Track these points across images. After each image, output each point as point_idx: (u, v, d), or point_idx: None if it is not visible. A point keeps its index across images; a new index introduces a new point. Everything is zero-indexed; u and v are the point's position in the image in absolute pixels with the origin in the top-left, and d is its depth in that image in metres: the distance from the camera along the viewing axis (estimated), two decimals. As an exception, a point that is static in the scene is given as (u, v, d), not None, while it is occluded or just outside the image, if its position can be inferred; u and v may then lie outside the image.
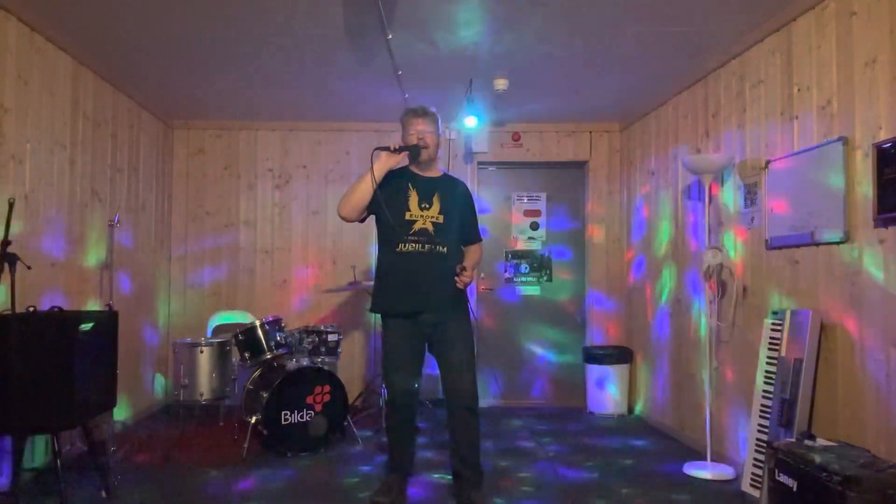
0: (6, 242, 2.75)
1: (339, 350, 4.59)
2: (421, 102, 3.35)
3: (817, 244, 3.07)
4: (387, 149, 3.10)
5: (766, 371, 3.27)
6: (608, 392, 5.34)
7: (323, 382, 4.16)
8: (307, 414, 4.09)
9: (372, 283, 3.41)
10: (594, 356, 5.41)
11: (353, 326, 5.64)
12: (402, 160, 3.20)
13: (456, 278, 3.11)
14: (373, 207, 3.16)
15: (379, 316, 3.31)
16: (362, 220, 3.26)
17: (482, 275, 5.76)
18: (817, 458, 2.46)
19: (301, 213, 5.72)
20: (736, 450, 3.70)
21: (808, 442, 2.67)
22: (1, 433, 2.94)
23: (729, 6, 3.31)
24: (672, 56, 4.03)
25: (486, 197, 5.85)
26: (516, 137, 5.77)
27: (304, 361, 4.25)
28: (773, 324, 3.29)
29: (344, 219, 3.17)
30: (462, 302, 3.20)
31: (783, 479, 2.62)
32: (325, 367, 4.23)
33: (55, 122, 3.77)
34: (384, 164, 3.10)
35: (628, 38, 3.75)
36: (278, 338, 4.34)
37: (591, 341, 5.71)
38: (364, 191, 3.09)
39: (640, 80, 4.50)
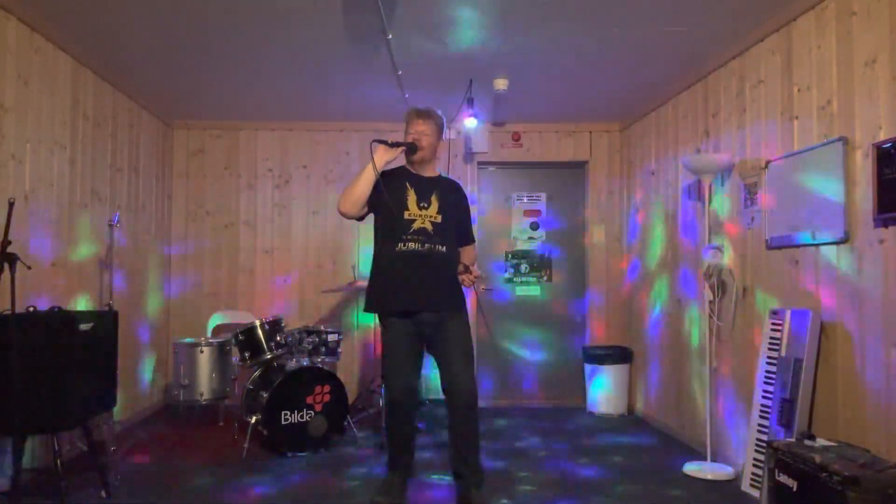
0: (6, 242, 2.75)
1: (339, 350, 4.58)
2: (427, 103, 3.34)
3: (817, 244, 3.07)
4: (384, 142, 3.12)
5: (766, 371, 3.27)
6: (608, 392, 5.34)
7: (323, 382, 4.16)
8: (307, 414, 4.09)
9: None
10: (594, 356, 5.40)
11: (353, 326, 5.63)
12: (398, 157, 3.18)
13: (464, 276, 3.11)
14: (372, 204, 3.17)
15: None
16: (361, 219, 3.26)
17: (481, 274, 5.76)
18: (817, 458, 2.46)
19: (301, 213, 5.71)
20: (736, 450, 3.70)
21: (808, 442, 2.67)
22: (1, 433, 2.94)
23: (729, 6, 3.31)
24: (672, 56, 4.02)
25: (486, 197, 5.85)
26: (516, 137, 5.77)
27: (304, 361, 4.25)
28: (773, 324, 3.29)
29: (344, 214, 3.16)
30: (461, 301, 3.21)
31: (783, 479, 2.62)
32: (325, 367, 4.24)
33: (55, 122, 3.77)
34: (382, 155, 3.11)
35: (628, 38, 3.75)
36: (278, 338, 4.34)
37: (591, 341, 5.71)
38: (365, 183, 3.09)
39: (640, 80, 4.50)
